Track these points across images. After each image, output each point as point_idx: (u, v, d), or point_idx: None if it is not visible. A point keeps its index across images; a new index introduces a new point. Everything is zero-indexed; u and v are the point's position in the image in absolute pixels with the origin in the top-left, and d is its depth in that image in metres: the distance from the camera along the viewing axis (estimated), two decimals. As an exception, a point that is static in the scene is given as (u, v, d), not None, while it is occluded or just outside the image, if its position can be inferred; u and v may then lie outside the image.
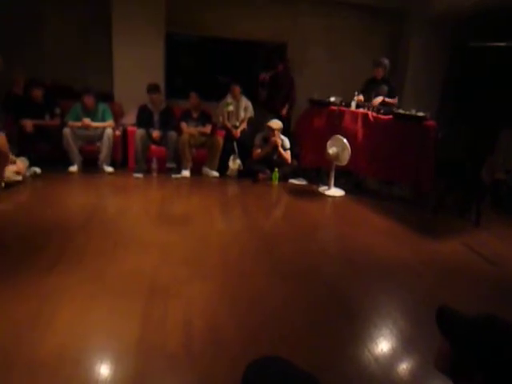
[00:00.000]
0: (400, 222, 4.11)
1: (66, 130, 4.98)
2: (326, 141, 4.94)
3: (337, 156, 4.87)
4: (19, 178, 4.43)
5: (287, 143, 5.46)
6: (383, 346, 2.13)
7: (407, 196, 5.11)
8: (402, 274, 3.04)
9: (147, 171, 5.30)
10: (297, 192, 5.07)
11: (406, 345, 2.15)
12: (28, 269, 2.59)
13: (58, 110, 5.20)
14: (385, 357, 2.04)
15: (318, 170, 5.72)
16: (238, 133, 5.72)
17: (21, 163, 4.52)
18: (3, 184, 4.24)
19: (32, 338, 1.93)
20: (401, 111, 4.85)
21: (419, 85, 6.65)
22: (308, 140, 5.45)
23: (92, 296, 2.35)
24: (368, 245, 3.51)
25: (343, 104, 5.25)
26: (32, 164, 4.77)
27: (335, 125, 5.13)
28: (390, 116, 4.84)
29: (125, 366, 1.80)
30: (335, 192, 5.06)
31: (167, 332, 2.06)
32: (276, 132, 5.31)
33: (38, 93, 5.02)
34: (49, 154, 5.04)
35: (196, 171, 5.42)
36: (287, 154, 5.43)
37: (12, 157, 4.52)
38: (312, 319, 2.32)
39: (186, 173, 5.32)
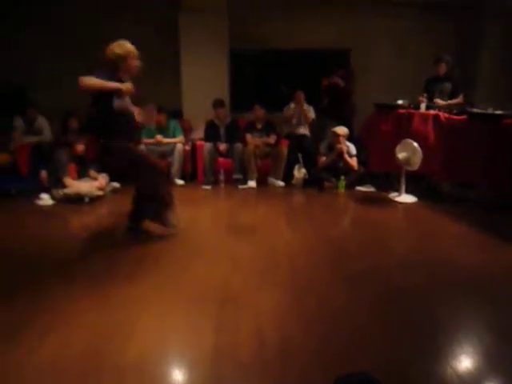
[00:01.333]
0: (479, 228, 3.82)
1: (141, 147, 5.32)
2: (395, 145, 4.76)
3: (407, 161, 4.67)
4: (101, 193, 4.81)
5: (353, 149, 5.35)
6: (467, 363, 1.98)
7: (486, 199, 4.73)
8: (485, 285, 2.81)
9: (215, 183, 5.50)
10: (365, 199, 4.93)
11: (492, 363, 1.98)
12: (110, 278, 2.79)
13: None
14: (470, 375, 1.90)
15: (387, 176, 5.52)
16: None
17: (102, 179, 4.91)
18: (87, 199, 4.63)
19: (115, 344, 2.07)
20: (475, 110, 4.56)
21: (494, 81, 6.19)
22: (375, 145, 5.29)
23: (168, 303, 2.47)
24: (446, 254, 3.30)
25: (412, 106, 5.05)
26: (112, 180, 5.16)
27: (404, 128, 4.94)
28: (464, 116, 4.55)
29: (201, 374, 1.85)
30: (406, 198, 4.84)
31: (239, 340, 2.09)
32: (341, 138, 5.23)
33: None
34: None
35: (262, 181, 5.51)
36: (353, 161, 5.32)
37: (94, 173, 4.94)
38: (386, 330, 2.23)
39: (252, 183, 5.42)
